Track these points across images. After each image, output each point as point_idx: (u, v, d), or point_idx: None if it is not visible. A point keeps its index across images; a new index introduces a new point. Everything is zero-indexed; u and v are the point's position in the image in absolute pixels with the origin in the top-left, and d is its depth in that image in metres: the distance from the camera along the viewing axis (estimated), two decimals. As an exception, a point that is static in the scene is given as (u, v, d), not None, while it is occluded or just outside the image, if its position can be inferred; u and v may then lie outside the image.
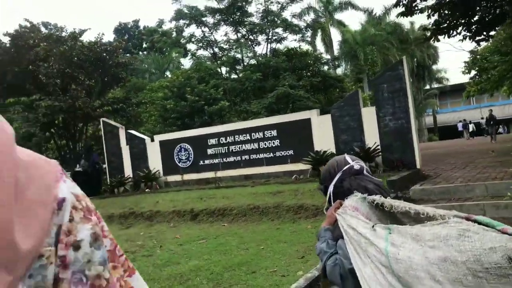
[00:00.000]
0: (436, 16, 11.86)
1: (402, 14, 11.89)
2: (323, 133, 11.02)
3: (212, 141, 12.88)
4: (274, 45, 30.79)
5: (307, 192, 8.81)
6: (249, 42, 30.56)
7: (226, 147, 12.63)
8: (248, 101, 30.34)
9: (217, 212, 8.86)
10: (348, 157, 1.79)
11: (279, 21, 29.32)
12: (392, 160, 9.93)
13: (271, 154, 11.90)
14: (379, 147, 10.19)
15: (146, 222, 9.64)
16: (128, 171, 14.40)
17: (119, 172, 14.39)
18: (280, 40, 30.53)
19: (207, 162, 13.02)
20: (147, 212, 9.99)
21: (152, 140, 14.29)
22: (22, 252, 0.53)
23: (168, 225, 9.10)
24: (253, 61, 31.13)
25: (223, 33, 36.53)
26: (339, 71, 36.96)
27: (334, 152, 10.66)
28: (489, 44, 19.16)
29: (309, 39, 32.42)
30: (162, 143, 13.85)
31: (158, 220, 9.51)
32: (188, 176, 13.29)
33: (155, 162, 13.84)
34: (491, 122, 21.52)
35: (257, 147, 12.08)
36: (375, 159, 10.10)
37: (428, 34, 12.70)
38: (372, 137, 10.37)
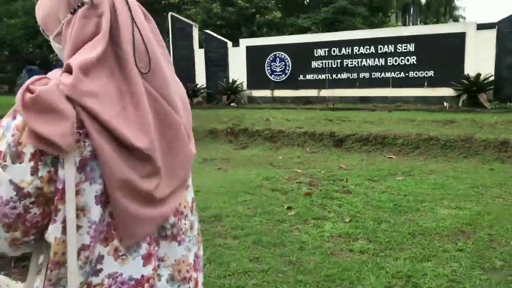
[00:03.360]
0: None
1: None
2: (481, 53, 9.05)
3: (320, 52, 10.86)
4: None
5: (488, 126, 7.11)
6: None
7: (338, 61, 10.66)
8: (298, 15, 27.66)
9: (373, 140, 7.20)
10: None
11: None
12: None
13: (402, 74, 9.99)
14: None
15: (267, 143, 7.99)
16: (200, 80, 12.50)
17: (188, 80, 12.48)
18: None
19: (309, 77, 11.12)
20: (265, 130, 8.30)
21: (236, 44, 12.22)
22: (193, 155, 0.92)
23: (303, 149, 7.48)
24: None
25: None
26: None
27: (493, 78, 8.81)
28: None
29: None
30: (250, 50, 11.81)
31: (284, 143, 7.85)
32: (280, 92, 11.46)
33: (237, 72, 11.91)
34: None
35: (383, 64, 10.14)
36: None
37: None
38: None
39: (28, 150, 0.75)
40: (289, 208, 4.41)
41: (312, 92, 10.98)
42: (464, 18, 40.83)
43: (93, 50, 0.78)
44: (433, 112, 8.57)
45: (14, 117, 0.77)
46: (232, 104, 11.39)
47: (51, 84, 0.75)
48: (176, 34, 12.74)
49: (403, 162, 6.34)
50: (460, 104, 8.98)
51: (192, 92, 12.00)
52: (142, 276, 0.85)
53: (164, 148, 0.84)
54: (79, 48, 0.80)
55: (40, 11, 0.93)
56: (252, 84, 11.84)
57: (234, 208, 4.43)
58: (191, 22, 12.89)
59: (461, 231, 3.70)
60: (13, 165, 0.75)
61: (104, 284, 0.82)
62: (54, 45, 0.92)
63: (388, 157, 6.71)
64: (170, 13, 13.02)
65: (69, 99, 0.74)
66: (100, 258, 0.81)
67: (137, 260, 0.85)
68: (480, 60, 9.00)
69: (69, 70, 0.77)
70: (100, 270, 0.82)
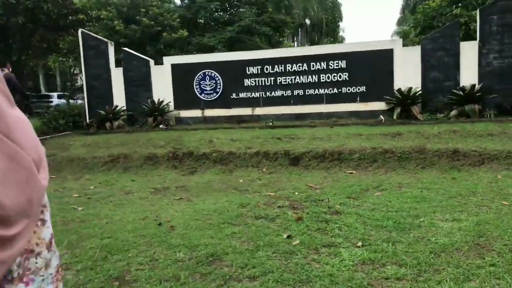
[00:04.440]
0: None
1: None
2: (407, 68, 9.69)
3: (253, 70, 10.72)
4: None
5: (433, 136, 7.54)
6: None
7: (272, 78, 10.61)
8: (203, 34, 27.70)
9: (330, 156, 7.16)
10: None
11: None
12: (500, 103, 9.07)
13: (335, 90, 10.27)
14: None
15: (217, 166, 7.52)
16: (119, 101, 11.56)
17: (105, 102, 11.49)
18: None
19: (242, 95, 10.89)
20: (212, 153, 7.82)
21: (159, 62, 11.54)
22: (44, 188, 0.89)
23: (259, 170, 7.17)
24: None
25: None
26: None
27: (421, 91, 9.47)
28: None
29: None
30: (176, 68, 11.24)
31: (236, 164, 7.46)
32: (212, 112, 11.05)
33: (162, 91, 11.25)
34: None
35: (316, 80, 10.32)
36: (477, 102, 9.14)
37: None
38: (469, 77, 9.35)
39: None
40: (289, 237, 4.06)
41: (246, 111, 10.77)
42: (344, 38, 45.09)
43: None
44: (372, 126, 8.90)
45: None
46: (161, 126, 10.68)
47: None
48: (88, 53, 11.67)
49: (366, 177, 6.38)
50: (394, 117, 9.48)
51: (112, 115, 11.02)
52: None
53: (11, 190, 0.80)
54: None
55: None
56: (179, 104, 11.27)
57: (228, 244, 3.96)
58: (105, 40, 11.93)
59: (477, 244, 3.69)
60: None
61: None
62: None
63: (349, 173, 6.71)
64: (80, 30, 11.90)
65: None
66: None
67: None
68: (407, 74, 9.65)
69: None
70: None
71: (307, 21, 46.78)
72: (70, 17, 12.93)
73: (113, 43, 12.01)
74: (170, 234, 4.34)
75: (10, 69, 10.41)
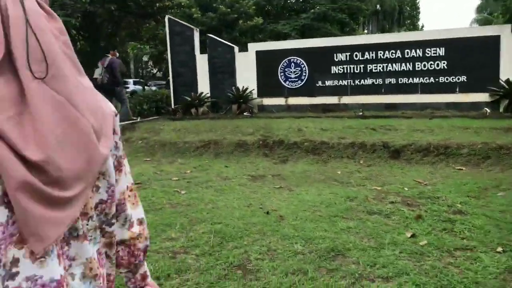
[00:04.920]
0: None
1: None
2: (516, 56, 8.84)
3: (341, 56, 10.36)
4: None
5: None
6: None
7: (361, 66, 10.19)
8: (276, 21, 27.45)
9: (435, 150, 6.69)
10: None
11: None
12: None
13: (432, 79, 9.64)
14: None
15: (309, 156, 7.31)
16: (203, 87, 11.68)
17: (189, 88, 11.65)
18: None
19: (328, 83, 10.58)
20: (304, 142, 7.62)
21: (243, 49, 11.51)
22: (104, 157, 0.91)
23: (356, 162, 6.87)
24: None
25: None
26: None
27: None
28: None
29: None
30: (261, 55, 11.14)
31: (330, 155, 7.20)
32: (296, 100, 10.85)
33: (246, 79, 11.20)
34: None
35: (410, 69, 9.75)
36: None
37: None
38: None
39: None
40: (413, 236, 3.77)
41: (331, 99, 10.44)
42: (423, 26, 42.34)
43: None
44: (477, 119, 8.23)
45: None
46: (245, 113, 10.65)
47: None
48: (174, 39, 11.88)
49: (480, 175, 5.86)
50: (501, 109, 8.71)
51: (198, 101, 11.16)
52: (61, 276, 0.87)
53: (69, 154, 0.84)
54: None
55: None
56: (263, 92, 11.17)
57: (346, 239, 3.75)
58: (191, 26, 12.08)
59: None
60: None
61: (22, 287, 0.82)
62: None
63: (458, 169, 6.21)
64: (167, 16, 12.13)
65: None
66: (16, 261, 0.82)
67: (54, 261, 0.87)
68: (516, 63, 8.80)
69: None
70: (17, 274, 0.82)
71: (379, 8, 44.96)
72: (157, 4, 13.23)
73: (198, 29, 12.13)
74: (280, 224, 4.21)
75: (117, 55, 10.87)
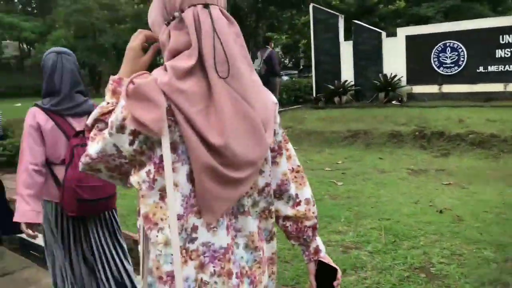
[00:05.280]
0: None
1: None
2: None
3: (508, 38, 9.14)
4: None
5: None
6: None
7: (535, 48, 8.86)
8: (419, 3, 25.43)
9: None
10: None
11: None
12: None
13: None
14: None
15: (476, 150, 6.56)
16: (347, 75, 11.35)
17: (332, 76, 11.40)
18: None
19: (492, 69, 9.44)
20: (468, 134, 6.88)
21: (392, 34, 10.89)
22: (268, 145, 1.08)
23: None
24: None
25: None
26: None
27: None
28: None
29: None
30: (411, 39, 10.40)
31: (502, 150, 6.37)
32: (451, 88, 9.90)
33: (393, 65, 10.57)
34: None
35: None
36: None
37: None
38: None
39: (129, 127, 0.98)
40: None
41: (495, 87, 9.26)
42: None
43: (187, 60, 0.97)
44: None
45: (121, 98, 1.00)
46: (393, 102, 10.07)
47: (150, 79, 0.97)
48: (318, 27, 11.73)
49: None
50: None
51: (342, 90, 10.89)
52: (227, 244, 1.04)
53: (242, 142, 1.00)
54: (175, 55, 1.01)
55: (149, 17, 1.15)
56: (413, 79, 10.42)
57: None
58: (336, 13, 11.80)
59: None
60: (117, 134, 1.00)
61: (199, 250, 1.01)
62: (161, 47, 1.10)
63: None
64: (312, 5, 12.04)
65: (163, 92, 0.94)
66: (195, 228, 1.01)
67: (223, 231, 1.04)
68: None
69: (166, 70, 0.98)
70: (195, 239, 1.01)
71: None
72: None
73: (343, 16, 11.80)
74: (459, 225, 3.79)
75: (272, 46, 11.19)
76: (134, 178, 1.03)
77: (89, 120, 1.14)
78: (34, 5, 51.05)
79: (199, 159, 0.95)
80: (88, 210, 2.24)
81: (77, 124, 2.25)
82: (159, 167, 0.98)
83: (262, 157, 1.06)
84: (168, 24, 1.05)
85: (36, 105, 2.28)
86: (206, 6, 1.02)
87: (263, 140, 1.04)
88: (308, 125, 8.91)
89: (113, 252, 2.40)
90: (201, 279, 1.02)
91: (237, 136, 0.98)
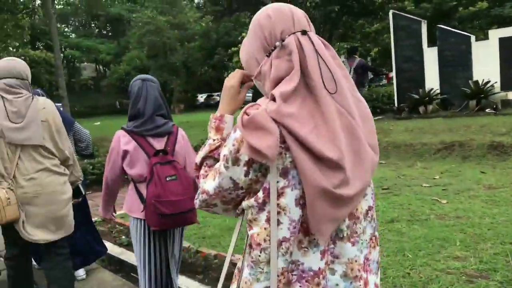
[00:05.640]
0: None
1: None
2: None
3: None
4: None
5: None
6: None
7: None
8: (501, 4, 23.81)
9: None
10: None
11: None
12: None
13: None
14: None
15: None
16: (431, 83, 10.77)
17: (415, 84, 10.87)
18: None
19: None
20: None
21: (482, 37, 10.23)
22: (375, 163, 1.10)
23: None
24: None
25: None
26: None
27: None
28: None
29: None
30: (507, 42, 9.68)
31: None
32: (554, 93, 9.06)
33: (484, 71, 9.85)
34: None
35: None
36: None
37: None
38: None
39: (244, 158, 1.05)
40: None
41: None
42: None
43: (290, 83, 1.04)
44: None
45: (234, 131, 1.09)
46: (487, 110, 9.37)
47: (261, 109, 1.04)
48: (399, 33, 11.30)
49: None
50: None
51: (428, 98, 10.34)
52: (319, 268, 1.06)
53: (351, 158, 1.02)
54: (277, 82, 1.07)
55: (243, 56, 1.24)
56: (508, 85, 9.65)
57: None
58: (418, 18, 11.31)
59: None
60: (233, 167, 1.07)
61: (288, 267, 1.06)
62: (256, 82, 1.19)
63: None
64: (391, 11, 11.65)
65: (273, 120, 1.01)
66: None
67: (316, 254, 1.06)
68: None
69: (273, 99, 1.04)
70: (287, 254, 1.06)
71: None
72: (377, 1, 12.90)
73: (425, 21, 11.27)
74: None
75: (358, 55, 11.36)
76: (245, 203, 1.11)
77: (198, 159, 1.25)
78: (109, 28, 54.58)
79: (313, 182, 0.98)
80: (169, 224, 2.42)
81: (157, 144, 2.49)
82: (269, 191, 1.05)
83: (368, 174, 1.08)
84: (268, 55, 1.13)
85: (122, 128, 2.56)
86: (304, 32, 1.11)
87: (368, 157, 1.07)
88: (395, 137, 8.52)
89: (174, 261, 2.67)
90: None
91: (347, 150, 1.02)
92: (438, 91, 10.62)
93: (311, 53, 1.06)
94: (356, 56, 10.82)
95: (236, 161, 1.06)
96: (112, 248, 4.13)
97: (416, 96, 10.51)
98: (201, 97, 34.35)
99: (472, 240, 3.79)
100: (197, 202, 1.20)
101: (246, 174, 1.07)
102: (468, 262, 3.38)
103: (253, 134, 1.01)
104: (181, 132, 2.66)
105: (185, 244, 3.60)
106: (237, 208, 1.16)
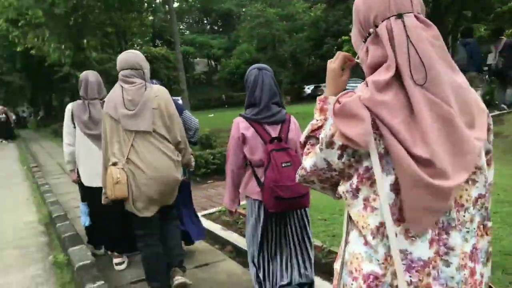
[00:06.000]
0: None
1: None
2: None
3: None
4: None
5: None
6: None
7: None
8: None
9: None
10: None
11: None
12: None
13: None
14: None
15: None
16: None
17: None
18: None
19: None
20: None
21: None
22: (477, 149, 1.04)
23: None
24: None
25: None
26: None
27: None
28: None
29: None
30: None
31: None
32: None
33: None
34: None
35: None
36: None
37: None
38: None
39: (338, 142, 1.09)
40: None
41: None
42: None
43: (386, 72, 1.04)
44: None
45: (328, 117, 1.18)
46: None
47: (354, 96, 1.06)
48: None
49: None
50: None
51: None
52: (428, 258, 1.04)
53: (449, 150, 1.01)
54: (374, 68, 1.09)
55: (352, 39, 1.24)
56: None
57: None
58: None
59: None
60: (327, 149, 1.12)
61: (396, 257, 1.04)
62: (361, 63, 1.21)
63: None
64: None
65: (366, 107, 1.03)
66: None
67: (425, 243, 1.04)
68: None
69: (367, 86, 1.06)
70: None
71: None
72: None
73: None
74: None
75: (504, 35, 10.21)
76: (341, 188, 1.16)
77: (302, 137, 1.32)
78: (220, 24, 57.00)
79: (406, 170, 0.99)
80: (285, 207, 2.56)
81: (273, 131, 2.63)
82: (363, 177, 1.08)
83: (470, 162, 1.03)
84: (365, 41, 1.14)
85: (240, 115, 2.71)
86: (399, 16, 1.08)
87: (467, 144, 1.02)
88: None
89: (302, 243, 2.78)
90: (396, 286, 1.06)
91: (441, 142, 1.00)
92: None
93: (401, 40, 1.04)
94: (502, 37, 9.65)
95: (330, 144, 1.10)
96: (237, 239, 4.18)
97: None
98: (308, 89, 34.04)
99: None
100: (297, 177, 1.28)
101: (340, 157, 1.11)
102: None
103: (345, 122, 1.05)
104: (293, 120, 2.75)
105: (317, 242, 3.52)
106: (334, 189, 1.21)
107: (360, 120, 1.02)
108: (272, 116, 2.64)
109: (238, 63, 39.52)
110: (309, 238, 2.82)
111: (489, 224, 1.14)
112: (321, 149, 1.14)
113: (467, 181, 1.07)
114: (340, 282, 1.20)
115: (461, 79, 1.09)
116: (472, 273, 1.09)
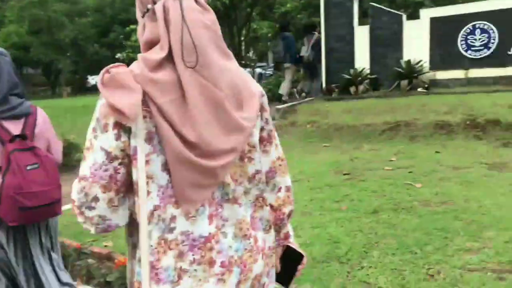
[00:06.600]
0: None
1: None
2: None
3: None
4: None
5: None
6: None
7: None
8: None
9: None
10: None
11: None
12: None
13: None
14: None
15: None
16: (361, 63, 10.76)
17: (344, 65, 10.76)
18: None
19: (527, 50, 9.10)
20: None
21: (413, 17, 10.38)
22: (247, 130, 1.09)
23: None
24: None
25: None
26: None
27: None
28: None
29: None
30: (436, 22, 9.90)
31: None
32: (479, 72, 9.49)
33: (415, 50, 10.07)
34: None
35: None
36: None
37: None
38: None
39: (111, 120, 1.01)
40: None
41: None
42: None
43: (159, 52, 1.02)
44: None
45: (100, 98, 1.04)
46: (419, 89, 9.57)
47: (125, 69, 1.03)
48: (329, 11, 11.05)
49: None
50: None
51: (360, 79, 10.31)
52: (209, 233, 1.07)
53: (216, 131, 1.03)
54: (150, 46, 1.06)
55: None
56: (436, 65, 9.97)
57: None
58: (349, -5, 11.16)
59: None
60: (101, 134, 1.02)
61: (177, 240, 1.05)
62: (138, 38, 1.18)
63: None
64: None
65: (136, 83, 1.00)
66: (173, 218, 1.04)
67: (204, 221, 1.07)
68: None
69: (139, 63, 1.03)
70: (174, 228, 1.05)
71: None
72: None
73: (357, -1, 11.19)
74: None
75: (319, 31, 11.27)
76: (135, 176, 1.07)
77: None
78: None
79: (174, 150, 0.99)
80: (30, 218, 2.20)
81: (14, 127, 2.20)
82: (133, 158, 1.02)
83: (241, 142, 1.08)
84: (143, 16, 1.10)
85: None
86: None
87: (237, 126, 1.06)
88: (335, 119, 8.30)
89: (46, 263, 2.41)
90: (181, 267, 1.06)
91: (210, 126, 1.02)
92: (368, 71, 10.67)
93: (177, 21, 1.02)
94: (316, 33, 10.87)
95: (104, 127, 1.02)
96: None
97: (348, 77, 10.44)
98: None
99: (473, 228, 3.54)
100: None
101: (117, 138, 1.02)
102: (484, 254, 3.10)
103: (114, 93, 1.00)
104: (41, 113, 2.39)
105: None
106: (122, 202, 1.07)
107: (132, 90, 0.98)
108: (12, 109, 2.21)
109: (4, 46, 34.03)
110: (52, 257, 2.46)
111: (266, 195, 1.21)
112: (96, 137, 1.03)
113: (242, 159, 1.12)
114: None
115: (233, 64, 1.12)
116: (256, 240, 1.16)
